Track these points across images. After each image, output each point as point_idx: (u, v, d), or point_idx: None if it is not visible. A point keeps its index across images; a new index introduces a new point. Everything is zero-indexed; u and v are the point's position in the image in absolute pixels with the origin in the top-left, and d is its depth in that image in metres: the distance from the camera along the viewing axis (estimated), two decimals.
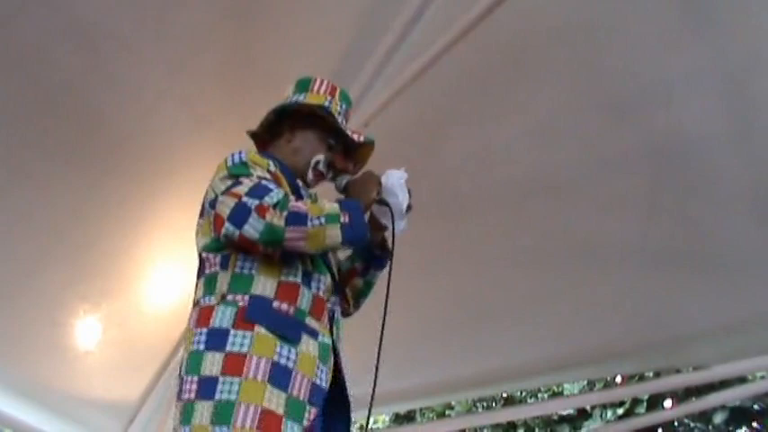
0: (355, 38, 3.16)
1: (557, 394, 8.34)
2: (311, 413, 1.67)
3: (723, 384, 5.66)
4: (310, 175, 2.01)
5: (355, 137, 2.05)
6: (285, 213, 1.68)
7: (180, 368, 1.75)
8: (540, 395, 8.74)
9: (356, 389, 1.94)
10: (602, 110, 3.40)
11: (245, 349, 1.65)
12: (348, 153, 2.09)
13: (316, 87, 2.07)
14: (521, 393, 8.70)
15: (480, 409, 8.89)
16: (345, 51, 3.19)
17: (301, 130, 2.04)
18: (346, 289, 2.07)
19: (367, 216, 1.85)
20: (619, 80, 3.30)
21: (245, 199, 1.71)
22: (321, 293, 1.83)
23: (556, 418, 8.63)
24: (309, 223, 1.69)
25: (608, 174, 3.64)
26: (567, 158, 3.59)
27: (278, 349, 1.67)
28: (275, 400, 1.62)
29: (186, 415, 1.64)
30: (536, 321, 4.44)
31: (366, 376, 1.91)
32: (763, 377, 5.72)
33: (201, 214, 1.90)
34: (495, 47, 3.08)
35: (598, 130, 3.48)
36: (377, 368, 1.92)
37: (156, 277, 3.94)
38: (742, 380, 6.30)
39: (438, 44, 2.89)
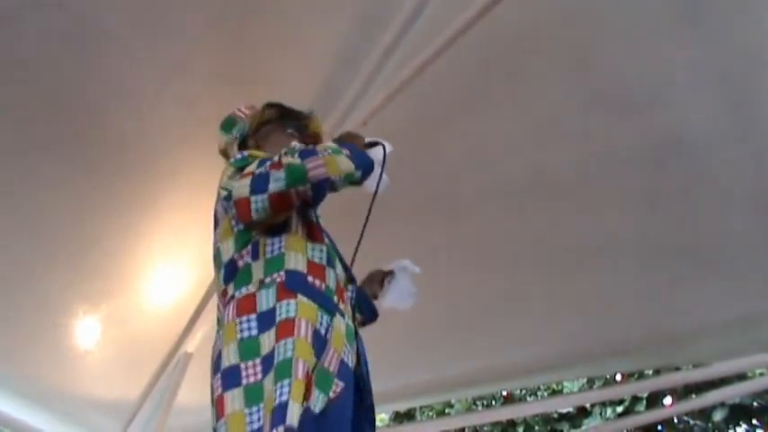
0: (353, 36, 3.15)
1: (556, 392, 8.35)
2: (338, 386, 1.67)
3: (723, 382, 5.67)
4: None
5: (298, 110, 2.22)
6: (296, 154, 1.79)
7: (217, 363, 1.73)
8: (539, 393, 8.76)
9: None
10: (600, 108, 3.39)
11: (291, 314, 1.70)
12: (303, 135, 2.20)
13: (238, 115, 2.26)
14: (520, 391, 8.72)
15: (480, 408, 8.89)
16: (344, 50, 3.18)
17: (263, 140, 2.17)
18: None
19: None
20: (619, 79, 3.30)
21: (257, 171, 1.79)
22: (340, 281, 1.91)
23: (556, 416, 8.64)
24: (321, 153, 1.80)
25: (608, 172, 3.64)
26: (566, 158, 3.58)
27: (319, 317, 1.73)
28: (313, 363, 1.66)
29: (255, 395, 1.63)
30: (536, 319, 4.44)
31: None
32: (762, 374, 5.74)
33: (216, 224, 1.95)
34: (493, 45, 3.08)
35: (597, 129, 3.48)
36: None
37: (156, 277, 3.94)
38: (741, 377, 6.33)
39: (436, 43, 2.88)
